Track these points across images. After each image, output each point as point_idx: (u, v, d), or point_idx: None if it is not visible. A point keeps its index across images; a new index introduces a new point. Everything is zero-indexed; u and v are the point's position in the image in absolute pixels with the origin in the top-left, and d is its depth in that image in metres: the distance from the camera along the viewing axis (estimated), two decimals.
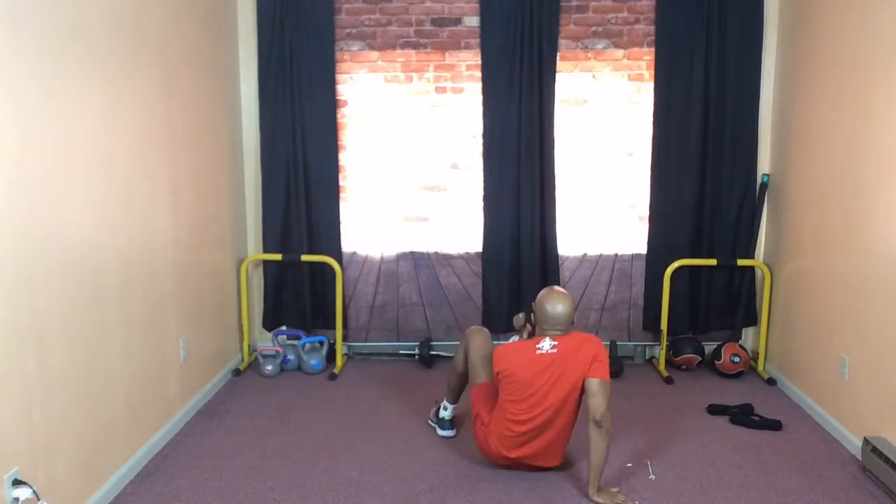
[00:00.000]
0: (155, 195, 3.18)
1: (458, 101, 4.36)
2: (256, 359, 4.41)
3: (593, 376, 2.79)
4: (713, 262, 4.27)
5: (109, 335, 2.79)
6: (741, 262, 4.26)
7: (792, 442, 3.32)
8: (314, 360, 4.28)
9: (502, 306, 4.42)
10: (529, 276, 4.37)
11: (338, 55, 4.31)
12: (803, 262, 3.79)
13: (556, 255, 4.38)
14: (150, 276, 3.14)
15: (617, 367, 4.20)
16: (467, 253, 4.49)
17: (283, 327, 4.53)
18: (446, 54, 4.33)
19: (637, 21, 4.27)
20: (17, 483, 2.19)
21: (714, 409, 3.65)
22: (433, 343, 4.48)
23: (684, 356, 4.29)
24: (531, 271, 4.36)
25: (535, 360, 2.84)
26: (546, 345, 2.85)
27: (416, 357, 4.45)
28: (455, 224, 4.47)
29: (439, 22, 4.30)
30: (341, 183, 4.42)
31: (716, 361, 4.22)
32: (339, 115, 4.37)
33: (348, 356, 4.58)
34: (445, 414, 3.40)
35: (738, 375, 4.19)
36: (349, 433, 3.42)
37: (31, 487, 2.21)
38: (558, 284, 4.39)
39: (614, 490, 2.80)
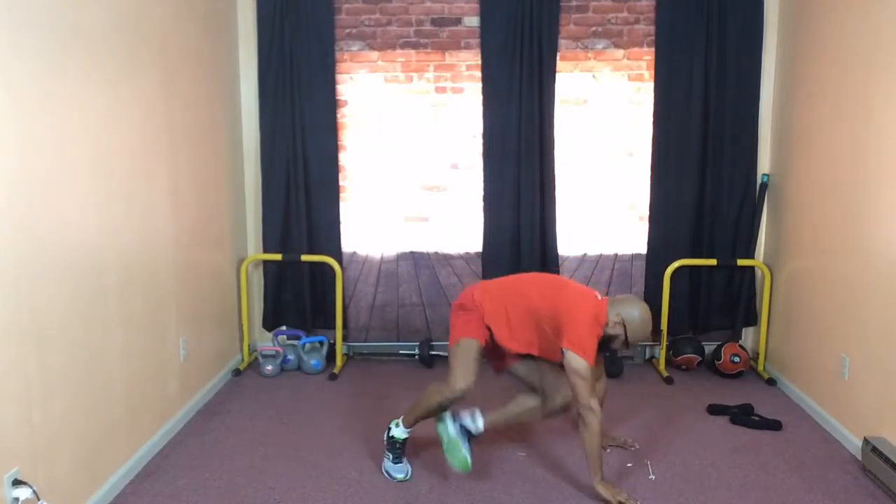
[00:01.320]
0: (155, 195, 3.18)
1: (458, 101, 4.36)
2: (256, 359, 4.41)
3: (564, 346, 2.68)
4: (713, 262, 4.27)
5: (109, 335, 2.79)
6: (741, 262, 4.26)
7: (792, 442, 3.32)
8: (314, 360, 4.28)
9: None
10: None
11: (338, 55, 4.31)
12: (803, 262, 3.79)
13: (556, 255, 4.38)
14: (150, 276, 3.14)
15: (617, 367, 4.20)
16: (467, 253, 4.49)
17: (283, 327, 4.53)
18: (446, 54, 4.33)
19: (637, 21, 4.27)
20: (17, 483, 2.19)
21: (714, 409, 3.65)
22: (433, 343, 4.48)
23: (684, 356, 4.29)
24: (531, 271, 4.36)
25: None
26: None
27: (416, 357, 4.45)
28: (455, 224, 4.47)
29: (439, 22, 4.31)
30: (341, 183, 4.42)
31: (716, 361, 4.22)
32: (339, 115, 4.37)
33: (348, 356, 4.58)
34: (398, 432, 3.00)
35: (738, 375, 4.19)
36: (349, 433, 3.42)
37: (31, 487, 2.21)
38: None
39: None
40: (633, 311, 2.74)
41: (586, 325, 2.70)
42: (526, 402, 3.03)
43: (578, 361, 2.65)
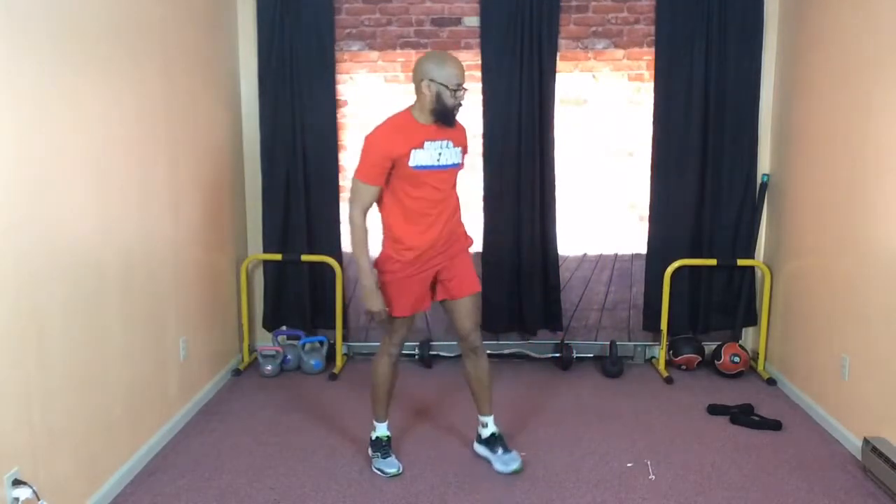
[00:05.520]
0: (155, 195, 3.18)
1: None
2: (256, 359, 4.41)
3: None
4: (713, 262, 4.27)
5: (109, 335, 2.79)
6: (741, 262, 4.26)
7: (792, 442, 3.32)
8: (314, 360, 4.28)
9: (502, 306, 4.41)
10: (529, 276, 4.36)
11: (338, 55, 4.31)
12: (803, 262, 3.79)
13: (556, 255, 4.38)
14: (149, 276, 3.14)
15: (617, 367, 4.20)
16: None
17: (283, 327, 4.52)
18: None
19: (637, 21, 4.26)
20: (17, 483, 2.19)
21: (714, 409, 3.65)
22: (433, 343, 4.48)
23: (684, 356, 4.29)
24: (531, 271, 4.36)
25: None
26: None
27: (416, 357, 4.45)
28: None
29: (439, 22, 4.30)
30: (341, 183, 4.42)
31: (716, 361, 4.22)
32: (339, 115, 4.37)
33: (348, 356, 4.58)
34: (381, 433, 3.10)
35: (738, 375, 4.19)
36: (349, 433, 3.41)
37: (31, 487, 2.21)
38: (558, 284, 4.41)
39: None
40: (427, 63, 2.73)
41: (366, 145, 2.78)
42: (473, 367, 3.06)
43: (352, 181, 2.80)
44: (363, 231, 2.81)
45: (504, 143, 4.28)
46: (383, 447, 3.06)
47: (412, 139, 2.76)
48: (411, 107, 2.85)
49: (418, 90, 2.77)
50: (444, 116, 2.78)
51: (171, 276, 3.36)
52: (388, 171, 2.77)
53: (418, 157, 2.77)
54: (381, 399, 3.07)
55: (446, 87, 2.71)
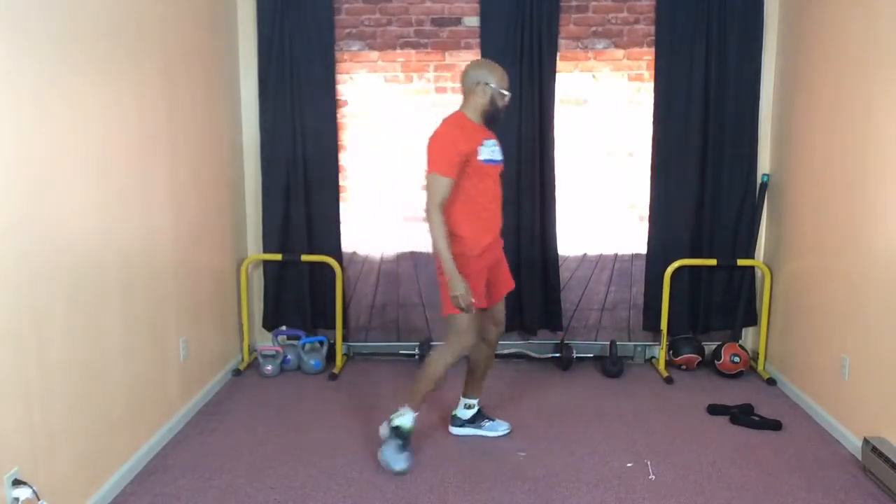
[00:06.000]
0: (155, 195, 3.18)
1: (458, 101, 4.33)
2: (256, 359, 4.41)
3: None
4: (713, 262, 4.27)
5: (109, 335, 2.79)
6: (741, 262, 4.26)
7: (792, 442, 3.32)
8: (314, 360, 4.28)
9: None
10: (529, 276, 4.37)
11: (338, 55, 4.31)
12: (803, 262, 3.79)
13: (556, 255, 4.38)
14: (150, 275, 3.14)
15: (617, 367, 4.20)
16: None
17: (283, 327, 4.53)
18: (446, 54, 4.33)
19: (637, 21, 4.27)
20: (17, 483, 2.19)
21: (714, 409, 3.65)
22: (433, 343, 4.47)
23: (684, 356, 4.29)
24: (531, 271, 4.36)
25: None
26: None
27: (416, 357, 4.45)
28: None
29: (439, 22, 4.30)
30: (341, 183, 4.42)
31: (716, 361, 4.22)
32: (339, 115, 4.37)
33: (348, 356, 4.58)
34: (408, 423, 3.05)
35: (738, 375, 4.19)
36: (349, 433, 3.41)
37: (31, 487, 2.21)
38: (558, 284, 4.41)
39: None
40: (481, 68, 2.98)
41: (437, 143, 2.93)
42: (486, 355, 3.29)
43: (428, 177, 2.94)
44: (443, 223, 2.93)
45: (504, 144, 4.26)
46: (405, 437, 3.03)
47: (475, 137, 2.99)
48: (462, 110, 3.05)
49: (471, 93, 3.00)
50: (494, 118, 3.06)
51: (171, 276, 3.36)
52: (460, 166, 2.92)
53: (484, 152, 3.00)
54: (425, 392, 3.08)
55: (499, 90, 2.98)
